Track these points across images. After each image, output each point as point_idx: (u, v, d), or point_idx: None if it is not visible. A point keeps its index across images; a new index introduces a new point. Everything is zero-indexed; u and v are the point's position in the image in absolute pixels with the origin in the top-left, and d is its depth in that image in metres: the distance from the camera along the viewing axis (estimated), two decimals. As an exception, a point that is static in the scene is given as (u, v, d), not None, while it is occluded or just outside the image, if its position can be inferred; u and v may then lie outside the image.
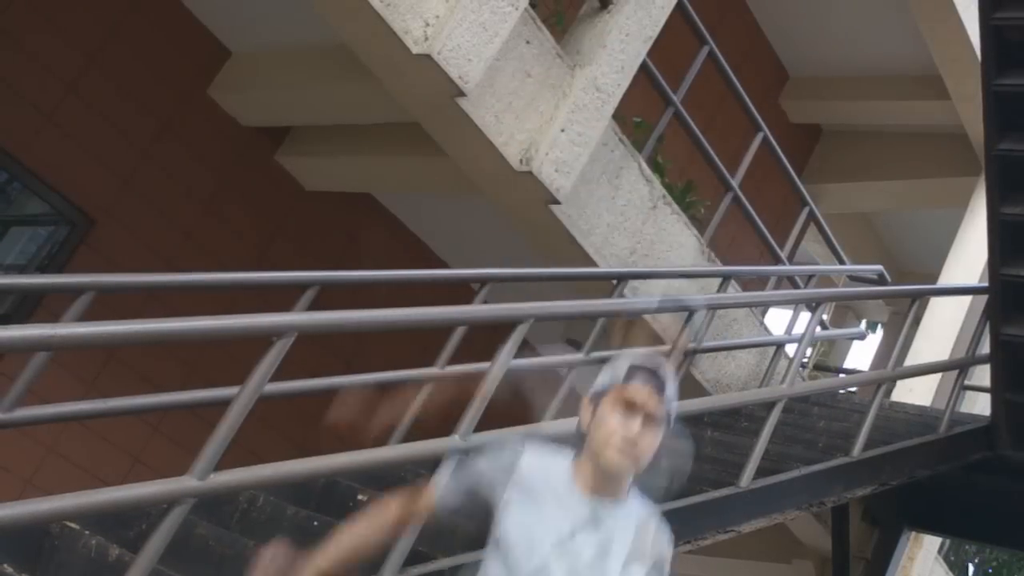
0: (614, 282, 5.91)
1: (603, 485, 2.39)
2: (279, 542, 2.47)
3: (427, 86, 5.22)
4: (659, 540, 2.41)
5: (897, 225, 13.05)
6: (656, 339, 6.60)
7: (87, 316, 3.69)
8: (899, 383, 8.39)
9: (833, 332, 11.25)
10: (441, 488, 2.52)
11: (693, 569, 9.18)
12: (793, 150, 9.82)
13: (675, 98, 6.48)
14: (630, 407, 2.36)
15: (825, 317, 10.51)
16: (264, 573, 2.43)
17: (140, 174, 6.86)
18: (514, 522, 2.37)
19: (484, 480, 2.45)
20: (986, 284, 6.37)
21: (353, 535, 2.52)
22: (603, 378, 2.46)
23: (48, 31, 6.40)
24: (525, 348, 3.93)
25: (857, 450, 5.52)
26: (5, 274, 6.39)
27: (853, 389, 8.67)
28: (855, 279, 8.76)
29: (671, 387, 2.43)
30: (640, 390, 2.38)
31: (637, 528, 2.39)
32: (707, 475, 4.92)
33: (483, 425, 3.56)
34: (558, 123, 5.67)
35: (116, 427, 6.56)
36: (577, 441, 2.46)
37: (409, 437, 4.48)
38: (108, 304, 4.34)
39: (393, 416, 4.41)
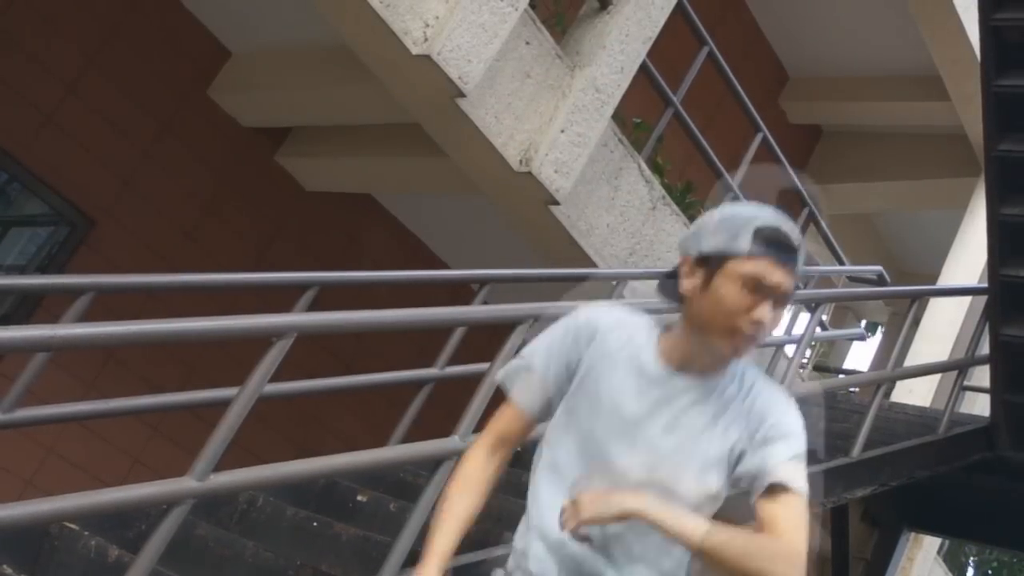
0: (614, 283, 5.90)
1: (702, 361, 2.02)
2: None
3: (427, 87, 5.22)
4: (784, 413, 2.08)
5: (897, 225, 13.04)
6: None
7: (87, 317, 3.68)
8: (899, 384, 8.38)
9: (833, 333, 11.22)
10: (524, 392, 2.15)
11: (693, 569, 9.17)
12: (793, 151, 9.81)
13: (675, 98, 6.48)
14: (759, 287, 1.93)
15: (825, 318, 10.50)
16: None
17: (140, 174, 6.86)
18: (600, 388, 2.03)
19: (566, 351, 2.09)
20: (986, 285, 6.36)
21: (460, 508, 2.12)
22: (717, 236, 1.97)
23: (48, 31, 6.39)
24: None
25: (857, 451, 5.51)
26: (5, 275, 6.39)
27: (853, 390, 8.66)
28: (855, 280, 8.75)
29: (802, 255, 1.98)
30: (774, 271, 1.93)
31: (753, 402, 2.06)
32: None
33: (483, 426, 3.56)
34: (558, 124, 5.67)
35: (116, 428, 6.55)
36: (670, 298, 2.06)
37: (409, 437, 4.48)
38: (108, 305, 4.34)
39: None
